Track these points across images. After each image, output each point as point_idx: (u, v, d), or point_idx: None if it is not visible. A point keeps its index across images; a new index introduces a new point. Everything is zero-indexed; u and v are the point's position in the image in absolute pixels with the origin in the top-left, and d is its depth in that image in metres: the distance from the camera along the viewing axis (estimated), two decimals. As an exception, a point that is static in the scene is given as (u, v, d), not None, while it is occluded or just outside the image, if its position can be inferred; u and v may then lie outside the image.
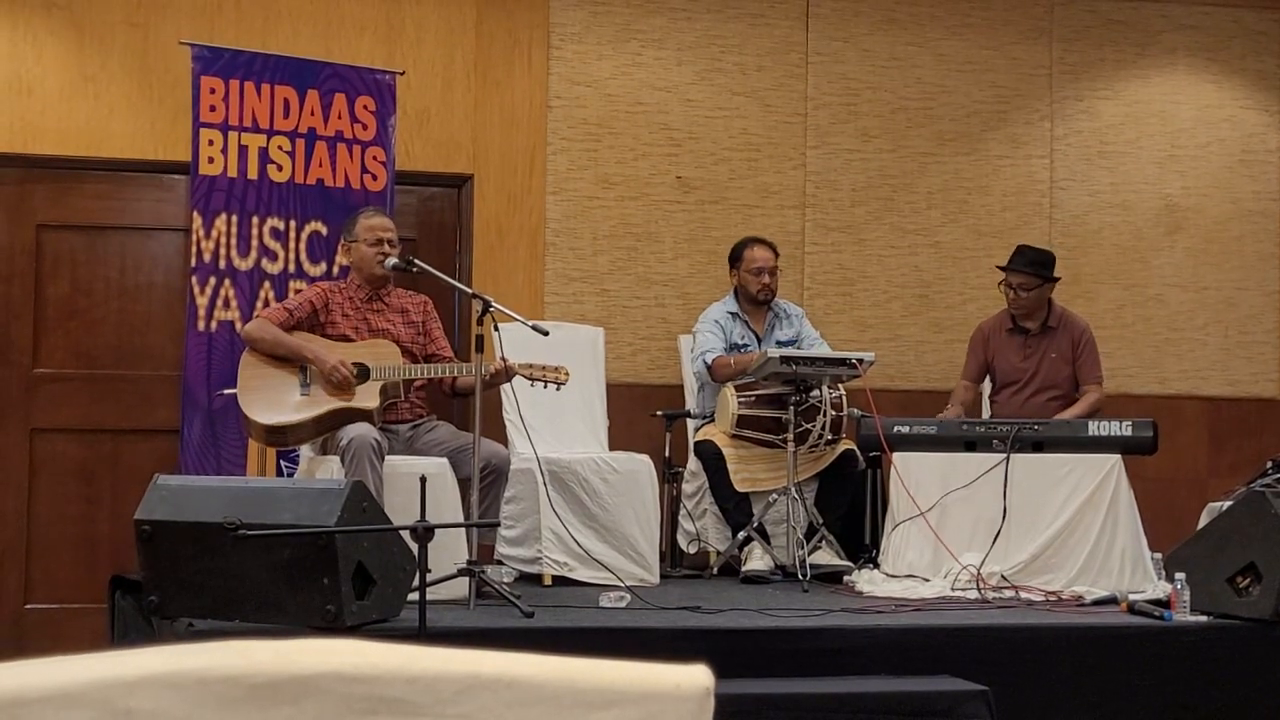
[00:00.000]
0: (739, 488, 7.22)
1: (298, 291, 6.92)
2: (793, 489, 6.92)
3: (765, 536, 7.15)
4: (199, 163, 7.10)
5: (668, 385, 8.14)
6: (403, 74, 7.64)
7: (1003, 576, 6.45)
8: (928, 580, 6.51)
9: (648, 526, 6.93)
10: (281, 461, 7.11)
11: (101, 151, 7.66)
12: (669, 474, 7.61)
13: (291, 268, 7.26)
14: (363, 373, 6.26)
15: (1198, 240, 8.99)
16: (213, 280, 7.10)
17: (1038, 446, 6.76)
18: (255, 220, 7.20)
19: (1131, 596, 6.06)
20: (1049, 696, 5.45)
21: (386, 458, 6.03)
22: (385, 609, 5.12)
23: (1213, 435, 8.90)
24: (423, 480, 5.07)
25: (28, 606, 7.61)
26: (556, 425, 7.30)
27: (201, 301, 7.07)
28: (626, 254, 8.28)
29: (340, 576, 4.87)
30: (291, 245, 7.27)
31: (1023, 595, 6.32)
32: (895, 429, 6.94)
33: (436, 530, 4.99)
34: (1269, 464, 6.93)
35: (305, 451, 6.61)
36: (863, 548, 7.37)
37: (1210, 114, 9.05)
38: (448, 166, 8.08)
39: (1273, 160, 9.09)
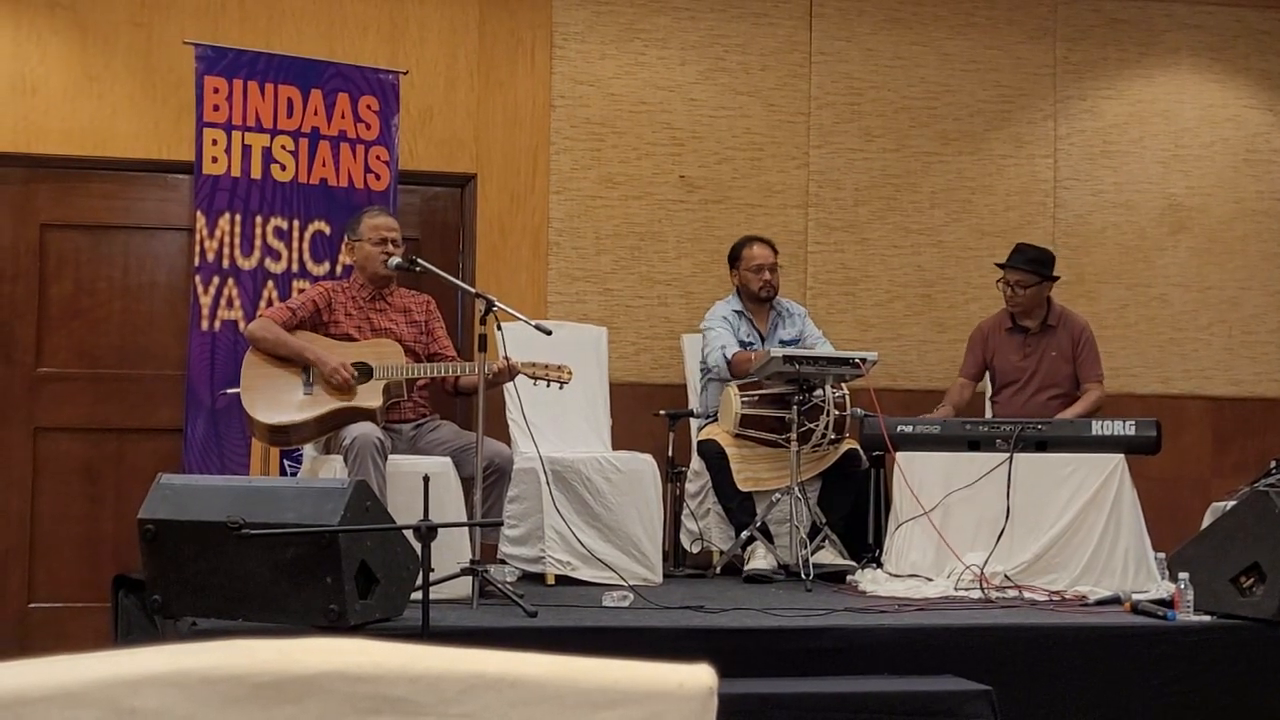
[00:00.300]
0: (742, 487, 7.21)
1: (301, 291, 6.92)
2: (796, 488, 6.92)
3: (768, 536, 7.15)
4: (203, 162, 7.11)
5: (671, 385, 8.14)
6: (406, 73, 7.64)
7: (1006, 576, 6.45)
8: (931, 580, 6.50)
9: (651, 526, 6.93)
10: (285, 461, 7.11)
11: (105, 151, 7.66)
12: (672, 473, 7.61)
13: (295, 267, 7.27)
14: (365, 372, 6.26)
15: (1201, 240, 8.99)
16: (216, 280, 7.11)
17: (1041, 446, 6.76)
18: (259, 220, 7.20)
19: (1135, 596, 6.06)
20: (1052, 696, 5.45)
21: (389, 457, 6.03)
22: (388, 608, 5.12)
23: (1216, 435, 8.89)
24: (426, 480, 5.07)
25: (31, 606, 7.62)
26: (559, 425, 7.30)
27: (205, 301, 7.08)
28: (629, 253, 8.28)
29: (343, 576, 4.87)
30: (295, 245, 7.28)
31: (1026, 595, 6.32)
32: (898, 428, 6.94)
33: (439, 529, 4.99)
34: (1273, 464, 6.93)
35: (308, 451, 6.62)
36: (866, 547, 7.36)
37: (1214, 113, 9.04)
38: (451, 166, 8.09)
39: (1277, 160, 9.09)
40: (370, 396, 6.25)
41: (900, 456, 6.83)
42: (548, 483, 6.66)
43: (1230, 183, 9.03)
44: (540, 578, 6.77)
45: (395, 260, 6.42)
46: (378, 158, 7.44)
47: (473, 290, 6.25)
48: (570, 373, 6.34)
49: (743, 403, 7.19)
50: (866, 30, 8.64)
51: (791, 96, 8.54)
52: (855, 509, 7.45)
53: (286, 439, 6.42)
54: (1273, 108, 9.10)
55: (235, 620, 5.05)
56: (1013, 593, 6.34)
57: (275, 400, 6.26)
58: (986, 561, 6.45)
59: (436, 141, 8.04)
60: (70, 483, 7.68)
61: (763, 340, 7.64)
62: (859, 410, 7.18)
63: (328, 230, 7.31)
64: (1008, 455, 6.65)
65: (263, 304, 7.06)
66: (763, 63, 8.50)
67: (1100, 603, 6.17)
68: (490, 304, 5.93)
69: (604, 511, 6.88)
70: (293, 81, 7.31)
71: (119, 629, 6.17)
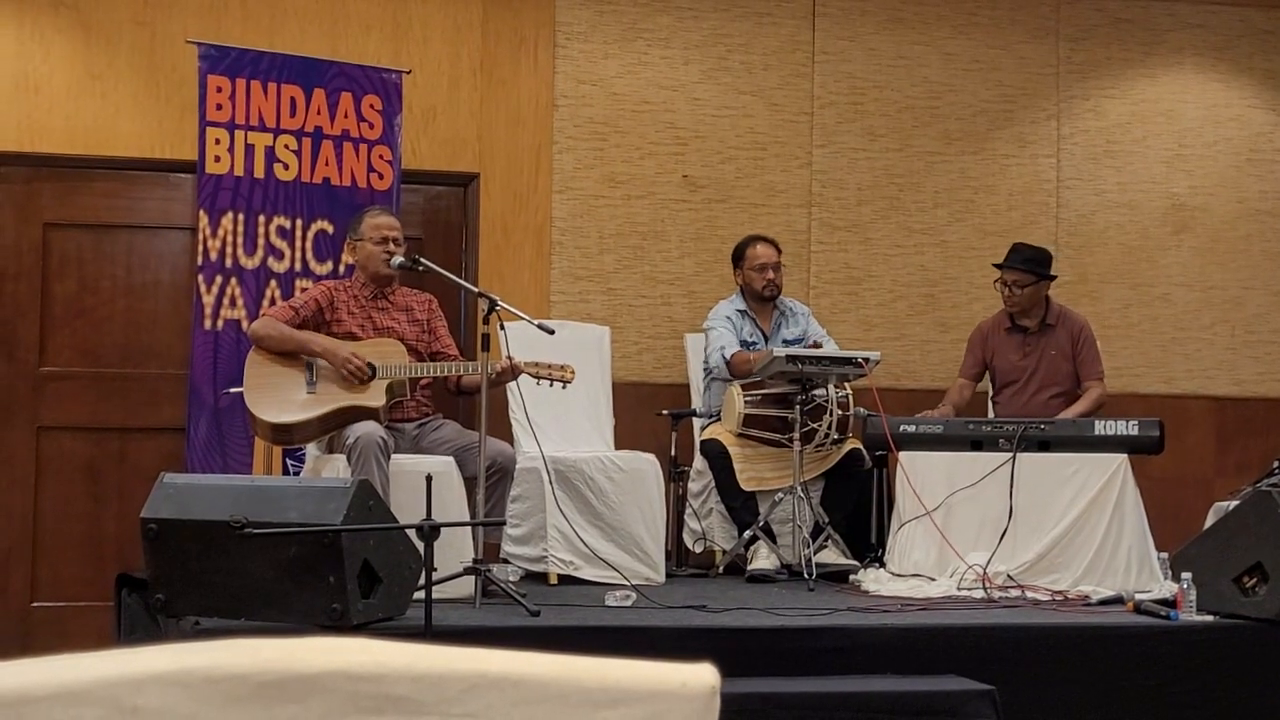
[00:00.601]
0: (745, 487, 7.21)
1: (303, 290, 6.92)
2: (799, 488, 6.92)
3: (771, 535, 7.15)
4: (205, 161, 7.11)
5: (674, 384, 8.14)
6: (409, 73, 7.64)
7: (1009, 576, 6.45)
8: (934, 579, 6.50)
9: (653, 525, 6.93)
10: (287, 460, 7.12)
11: (108, 150, 7.66)
12: (675, 473, 7.61)
13: (298, 266, 7.27)
14: (369, 371, 6.26)
15: (1205, 239, 8.99)
16: (219, 279, 7.11)
17: (1044, 446, 6.76)
18: (261, 219, 7.20)
19: (1138, 596, 6.06)
20: (1055, 696, 5.44)
21: (392, 456, 6.03)
22: (391, 607, 5.12)
23: (1219, 435, 8.89)
24: (429, 479, 5.06)
25: (34, 604, 7.62)
26: (562, 424, 7.30)
27: (208, 300, 7.08)
28: (632, 253, 8.28)
29: (346, 575, 4.87)
30: (298, 244, 7.28)
31: (1029, 595, 6.32)
32: (901, 428, 6.94)
33: (442, 529, 4.98)
34: (1276, 464, 6.94)
35: (311, 450, 6.62)
36: (869, 547, 7.36)
37: (1217, 113, 9.04)
38: (454, 165, 8.09)
39: (1280, 159, 9.10)
40: (374, 395, 6.25)
41: (903, 456, 6.82)
42: (550, 482, 6.66)
43: (1233, 182, 9.03)
44: (543, 577, 6.77)
45: (398, 259, 6.42)
46: (381, 157, 7.44)
47: (475, 289, 6.25)
48: (573, 372, 6.34)
49: (746, 402, 7.19)
50: (869, 30, 8.64)
51: (794, 96, 8.54)
52: (858, 509, 7.45)
53: (289, 438, 6.42)
54: (1276, 107, 9.09)
55: (238, 619, 5.05)
56: (1015, 592, 6.34)
57: (278, 399, 6.26)
58: (989, 561, 6.45)
59: (439, 141, 8.04)
60: (73, 482, 7.68)
61: (766, 340, 7.64)
62: (862, 410, 7.18)
63: (331, 230, 7.31)
64: (1011, 455, 6.65)
65: (265, 303, 7.06)
66: (765, 62, 8.50)
67: (1103, 602, 6.17)
68: (493, 303, 5.93)
69: (607, 511, 6.88)
70: (296, 81, 7.31)
71: (122, 628, 6.16)
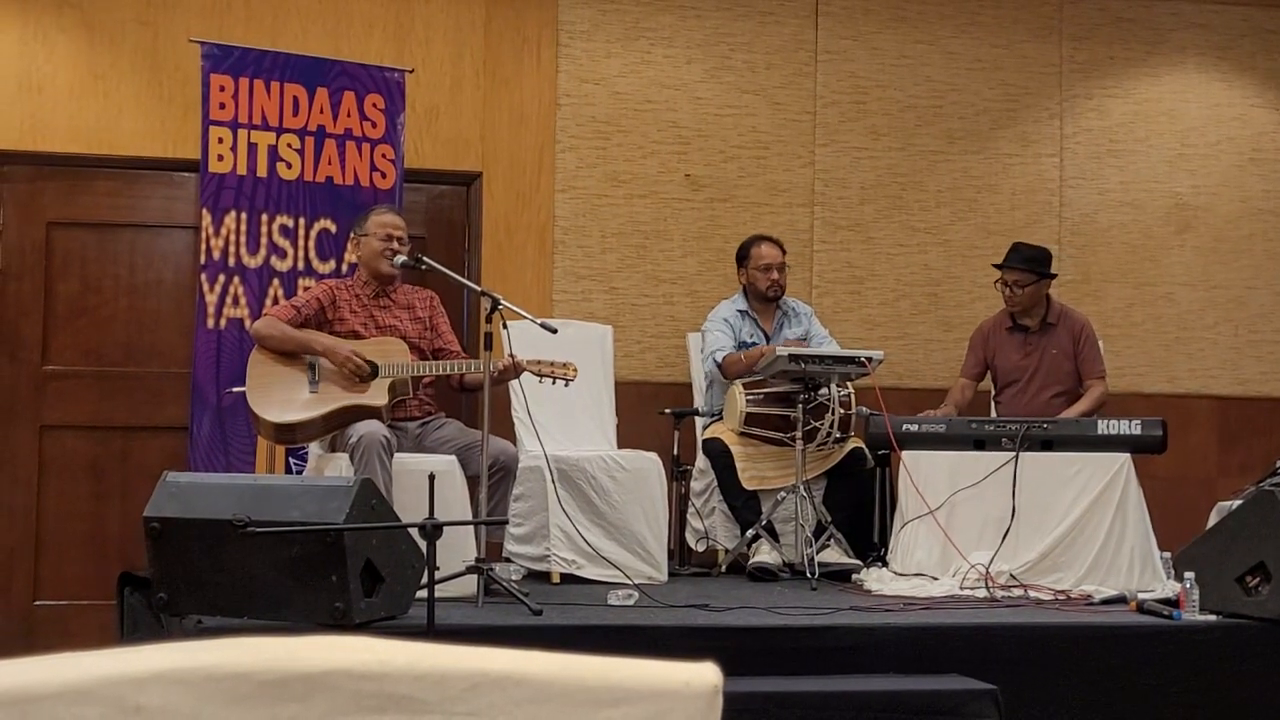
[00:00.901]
0: (747, 486, 7.21)
1: (306, 289, 6.92)
2: (801, 487, 6.93)
3: (774, 534, 7.15)
4: (208, 160, 7.11)
5: (676, 383, 8.14)
6: (412, 72, 7.64)
7: (1011, 575, 6.45)
8: (936, 579, 6.50)
9: (656, 524, 6.93)
10: (290, 459, 7.12)
11: (111, 149, 7.67)
12: (677, 472, 7.60)
13: (300, 265, 7.27)
14: (372, 370, 6.26)
15: (1208, 239, 8.98)
16: (222, 278, 7.11)
17: (1047, 445, 6.76)
18: (264, 218, 7.20)
19: (1140, 595, 6.06)
20: (1057, 696, 5.44)
21: (395, 455, 6.03)
22: (393, 606, 5.12)
23: (1222, 434, 8.89)
24: (431, 478, 5.07)
25: (37, 603, 7.63)
26: (565, 423, 7.30)
27: (211, 299, 7.08)
28: (635, 252, 8.28)
29: (349, 574, 4.88)
30: (300, 243, 7.28)
31: (1031, 594, 6.32)
32: (904, 427, 6.93)
33: (445, 528, 4.99)
34: (1278, 463, 6.93)
35: (314, 449, 6.62)
36: (871, 546, 7.35)
37: (1220, 112, 9.04)
38: (456, 164, 8.09)
39: (1283, 159, 9.10)
40: (376, 394, 6.25)
41: (906, 455, 6.82)
42: (553, 481, 6.66)
43: (1236, 181, 9.03)
44: (545, 576, 6.77)
45: (401, 258, 6.43)
46: (383, 156, 7.44)
47: (478, 288, 6.25)
48: (575, 370, 6.34)
49: (748, 401, 7.19)
50: (872, 29, 8.63)
51: (797, 95, 8.54)
52: (860, 508, 7.45)
53: (292, 437, 6.43)
54: (1279, 106, 9.09)
55: (240, 618, 5.05)
56: (1018, 592, 6.34)
57: (281, 398, 6.27)
58: (992, 560, 6.45)
59: (442, 140, 8.04)
60: (76, 480, 7.69)
61: (768, 340, 7.64)
62: (864, 409, 7.18)
63: (333, 229, 7.31)
64: (1013, 454, 6.65)
65: (268, 302, 7.06)
66: (768, 61, 8.50)
67: (1105, 602, 6.17)
68: (496, 302, 5.93)
69: (609, 510, 6.88)
70: (299, 80, 7.31)
71: (124, 626, 6.17)
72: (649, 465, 7.01)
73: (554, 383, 6.32)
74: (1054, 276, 7.70)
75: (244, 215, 7.16)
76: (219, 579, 5.09)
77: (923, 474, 6.75)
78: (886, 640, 5.42)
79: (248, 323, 6.93)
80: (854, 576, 6.86)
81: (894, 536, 6.91)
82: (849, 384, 7.25)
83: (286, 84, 7.28)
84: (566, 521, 6.67)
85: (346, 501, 4.95)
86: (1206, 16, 9.01)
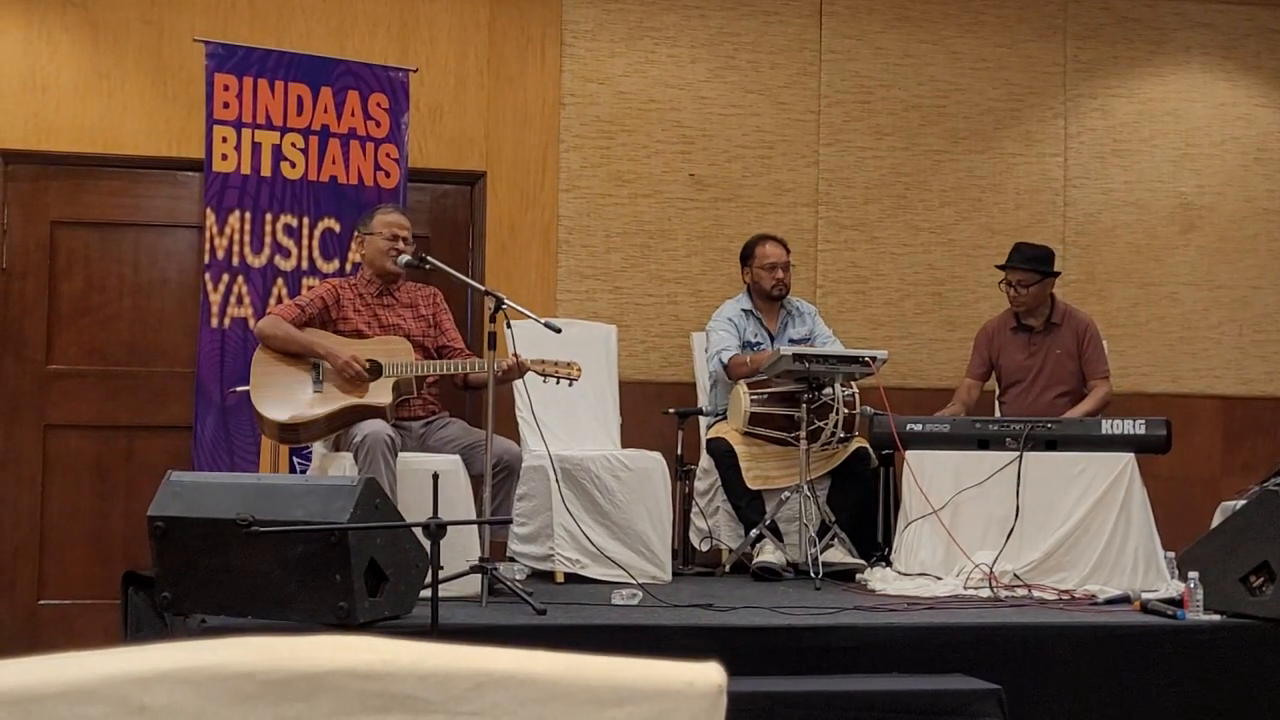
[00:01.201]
0: (751, 485, 7.21)
1: (310, 288, 6.93)
2: (805, 487, 6.92)
3: (778, 534, 7.15)
4: (212, 160, 7.11)
5: (680, 383, 8.14)
6: (416, 71, 7.64)
7: (1015, 575, 6.44)
8: (940, 578, 6.50)
9: (660, 524, 6.93)
10: (294, 458, 7.12)
11: (115, 148, 7.67)
12: (681, 471, 7.61)
13: (304, 265, 7.27)
14: (375, 370, 6.26)
15: (1212, 239, 8.98)
16: (226, 277, 7.11)
17: (1051, 445, 6.75)
18: (268, 217, 7.21)
19: (1144, 595, 6.06)
20: (1061, 695, 5.44)
21: (399, 454, 6.03)
22: (397, 606, 5.12)
23: (1226, 434, 8.88)
24: (435, 477, 5.07)
25: (41, 602, 7.63)
26: (569, 422, 7.30)
27: (215, 298, 7.09)
28: (639, 251, 8.28)
29: (352, 573, 4.87)
30: (304, 242, 7.28)
31: (1035, 594, 6.32)
32: (908, 427, 6.93)
33: (449, 527, 4.99)
34: (1282, 462, 6.93)
35: (318, 448, 6.62)
36: (875, 546, 7.35)
37: (1225, 112, 9.03)
38: (460, 164, 8.09)
39: (1287, 158, 9.09)
40: (380, 394, 6.25)
41: (910, 455, 6.82)
42: (557, 480, 6.67)
43: (1241, 181, 9.02)
44: (549, 575, 6.77)
45: (405, 258, 6.43)
46: (387, 155, 7.44)
47: (482, 288, 6.25)
48: (579, 370, 6.34)
49: (752, 401, 7.19)
50: (876, 29, 8.63)
51: (801, 95, 8.54)
52: (864, 507, 7.45)
53: (296, 437, 6.43)
54: (1284, 106, 9.10)
55: (244, 617, 5.05)
56: (1022, 591, 6.34)
57: (285, 398, 6.27)
58: (996, 560, 6.45)
59: (446, 139, 8.05)
60: (80, 480, 7.69)
61: (772, 339, 7.64)
62: (868, 408, 7.18)
63: (337, 228, 7.31)
64: (1017, 454, 6.65)
65: (272, 301, 7.07)
66: (772, 61, 8.50)
67: (1109, 602, 6.17)
68: (500, 302, 5.93)
69: (613, 509, 6.88)
70: (303, 79, 7.31)
71: (128, 626, 6.17)
72: (653, 465, 7.01)
73: (558, 382, 6.32)
74: (1057, 274, 7.70)
75: (248, 215, 7.16)
76: (223, 578, 5.09)
77: (927, 474, 6.75)
78: (890, 640, 5.42)
79: (252, 322, 6.93)
80: (858, 576, 6.86)
81: (898, 536, 6.91)
82: (853, 384, 7.25)
83: (291, 83, 7.28)
84: (570, 521, 6.67)
85: (350, 501, 4.95)
86: (1211, 16, 9.01)
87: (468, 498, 6.09)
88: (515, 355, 6.14)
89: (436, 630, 4.84)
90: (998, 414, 7.72)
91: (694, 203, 8.37)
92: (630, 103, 8.32)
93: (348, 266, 7.22)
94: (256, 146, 7.19)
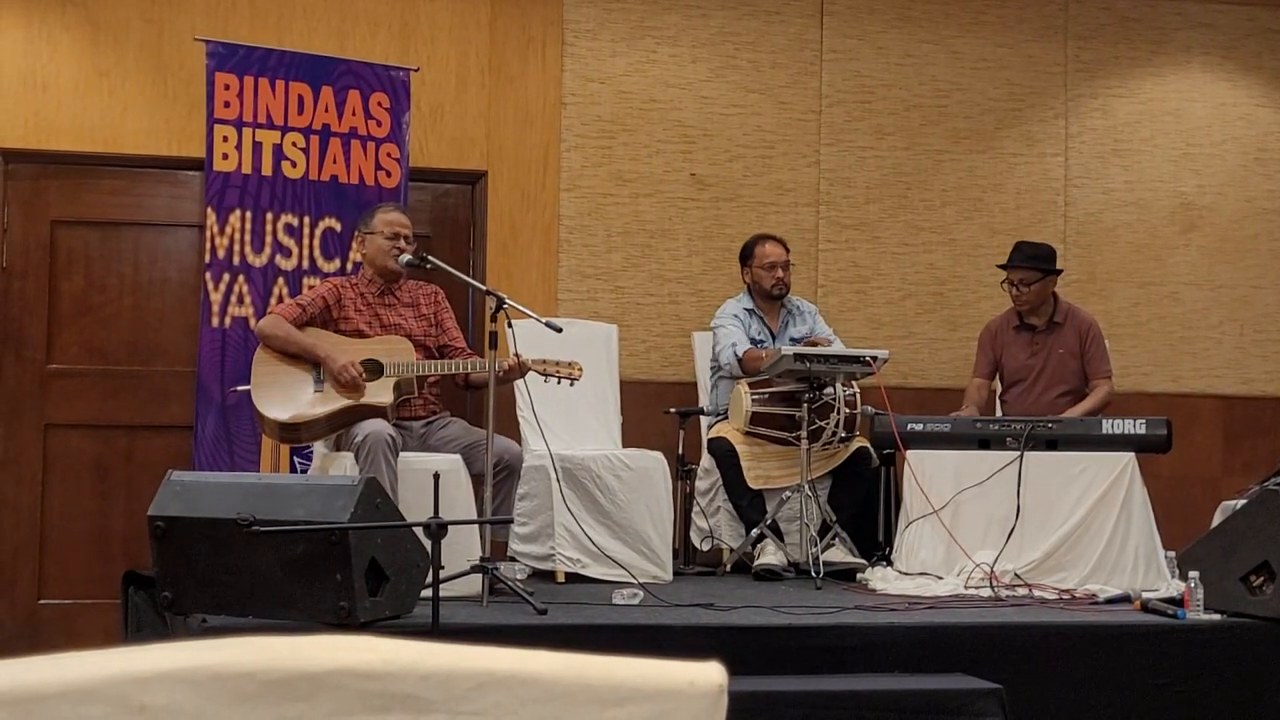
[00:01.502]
0: (752, 485, 7.21)
1: (311, 288, 6.93)
2: (806, 486, 6.92)
3: (778, 534, 7.15)
4: (213, 159, 7.11)
5: (681, 382, 8.14)
6: (417, 70, 7.64)
7: (1016, 574, 6.45)
8: (941, 578, 6.50)
9: (661, 523, 6.93)
10: (295, 458, 7.12)
11: (116, 147, 7.67)
12: (682, 471, 7.61)
13: (305, 264, 7.27)
14: (376, 369, 6.26)
15: (1212, 238, 8.98)
16: (226, 276, 7.11)
17: (1051, 444, 6.75)
18: (269, 216, 7.21)
19: (1145, 595, 6.06)
20: (1062, 694, 5.44)
21: (400, 454, 6.03)
22: (398, 605, 5.12)
23: (1227, 433, 8.88)
24: (436, 477, 5.06)
25: (41, 602, 7.63)
26: (570, 422, 7.29)
27: (215, 298, 7.09)
28: (640, 251, 8.28)
29: (353, 573, 4.87)
30: (305, 242, 7.28)
31: (1036, 593, 6.32)
32: (909, 426, 6.93)
33: (450, 527, 4.99)
34: (1283, 462, 6.93)
35: (319, 448, 6.62)
36: (876, 545, 7.35)
37: (1225, 112, 9.03)
38: (462, 163, 8.09)
39: (1288, 158, 9.09)
40: (381, 394, 6.25)
41: (910, 454, 6.82)
42: (558, 480, 6.66)
43: (1241, 181, 9.02)
44: (550, 575, 6.77)
45: (406, 257, 6.43)
46: (388, 155, 7.44)
47: (483, 287, 6.25)
48: (580, 370, 6.34)
49: (753, 400, 7.19)
50: (877, 28, 8.63)
51: (802, 94, 8.54)
52: (865, 507, 7.45)
53: (297, 436, 6.42)
54: (1284, 106, 9.10)
55: (245, 617, 5.05)
56: (1022, 591, 6.34)
57: (286, 397, 6.27)
58: (996, 560, 6.45)
59: (447, 139, 8.05)
60: (80, 479, 7.69)
61: (773, 338, 7.64)
62: (869, 408, 7.18)
63: (338, 227, 7.32)
64: (1018, 453, 6.65)
65: (273, 301, 7.07)
66: (774, 60, 8.50)
67: (1110, 601, 6.17)
68: (501, 301, 5.93)
69: (614, 509, 6.88)
70: (304, 78, 7.31)
71: (129, 625, 6.17)
72: (654, 464, 7.01)
73: (559, 382, 6.32)
74: (1060, 272, 7.70)
75: (249, 214, 7.16)
76: (223, 578, 5.09)
77: (927, 473, 6.75)
78: (891, 639, 5.42)
79: (252, 321, 6.93)
80: (859, 576, 6.86)
81: (899, 536, 6.91)
82: (854, 383, 7.25)
83: (291, 82, 7.28)
84: (571, 521, 6.67)
85: (351, 500, 4.94)
86: (1212, 16, 9.01)
87: (468, 497, 6.09)
88: (516, 355, 6.14)
89: (437, 630, 4.84)
90: (999, 413, 7.72)
91: (695, 202, 8.37)
92: (631, 102, 8.32)
93: (349, 266, 7.22)
94: (257, 146, 7.19)
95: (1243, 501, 6.27)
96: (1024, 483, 6.60)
